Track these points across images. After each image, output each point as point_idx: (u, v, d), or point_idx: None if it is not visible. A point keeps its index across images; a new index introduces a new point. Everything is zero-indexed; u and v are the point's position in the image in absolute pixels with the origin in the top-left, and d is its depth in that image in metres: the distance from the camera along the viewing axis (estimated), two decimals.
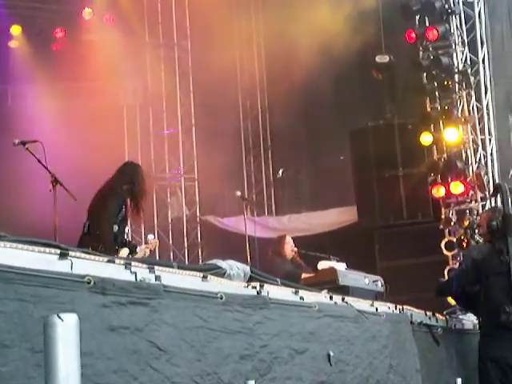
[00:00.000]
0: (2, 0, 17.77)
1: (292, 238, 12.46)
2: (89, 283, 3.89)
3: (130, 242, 9.66)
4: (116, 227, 8.91)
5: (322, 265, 9.87)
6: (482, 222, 8.70)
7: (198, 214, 19.02)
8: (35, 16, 18.23)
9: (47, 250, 3.84)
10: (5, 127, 15.36)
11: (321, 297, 6.23)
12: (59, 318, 2.20)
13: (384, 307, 7.10)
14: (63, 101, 17.94)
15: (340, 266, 9.50)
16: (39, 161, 8.61)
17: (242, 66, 19.83)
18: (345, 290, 8.11)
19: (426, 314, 7.99)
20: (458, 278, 8.35)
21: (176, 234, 18.82)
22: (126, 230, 9.65)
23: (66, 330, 2.25)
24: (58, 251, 3.88)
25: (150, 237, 10.26)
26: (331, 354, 5.68)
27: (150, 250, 9.92)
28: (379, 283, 9.20)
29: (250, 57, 19.87)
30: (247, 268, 5.53)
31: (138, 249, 9.47)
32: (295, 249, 12.16)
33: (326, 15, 16.78)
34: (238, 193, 12.35)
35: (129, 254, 9.10)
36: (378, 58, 16.66)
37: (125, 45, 17.90)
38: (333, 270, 8.91)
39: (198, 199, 18.98)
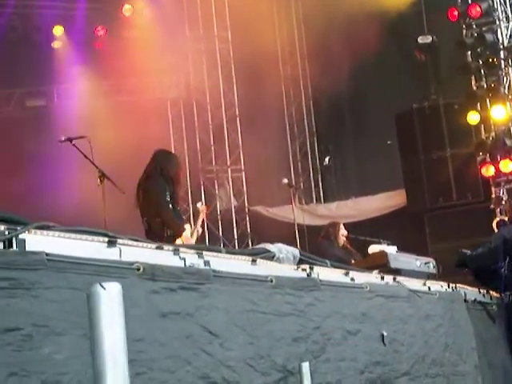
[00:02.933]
0: (43, 1, 17.95)
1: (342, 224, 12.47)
2: (138, 270, 3.89)
3: None
4: (170, 207, 8.94)
5: (373, 249, 9.81)
6: (508, 208, 8.60)
7: (246, 204, 19.03)
8: (76, 15, 18.35)
9: (95, 238, 3.85)
10: (52, 126, 15.55)
11: (372, 277, 6.18)
12: (102, 287, 2.19)
13: (437, 286, 7.04)
14: (108, 98, 18.10)
15: (391, 250, 9.42)
16: (86, 156, 8.69)
17: (283, 53, 19.83)
18: (396, 273, 8.02)
19: (479, 292, 7.90)
20: (485, 255, 8.23)
21: (225, 226, 18.84)
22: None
23: (110, 299, 2.24)
24: (106, 239, 3.89)
25: (199, 204, 10.20)
26: (385, 334, 5.63)
27: (204, 218, 9.94)
28: (431, 265, 9.10)
29: (291, 44, 19.86)
30: (296, 251, 5.50)
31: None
32: (346, 234, 12.16)
33: None
34: (285, 180, 12.35)
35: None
36: (421, 39, 16.50)
37: (166, 39, 17.96)
38: (383, 254, 8.83)
39: (245, 190, 18.98)
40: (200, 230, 9.66)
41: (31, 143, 16.86)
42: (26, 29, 17.94)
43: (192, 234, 9.35)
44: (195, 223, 9.67)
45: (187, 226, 9.21)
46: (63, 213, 13.59)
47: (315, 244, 12.32)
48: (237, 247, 18.29)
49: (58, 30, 18.34)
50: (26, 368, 3.09)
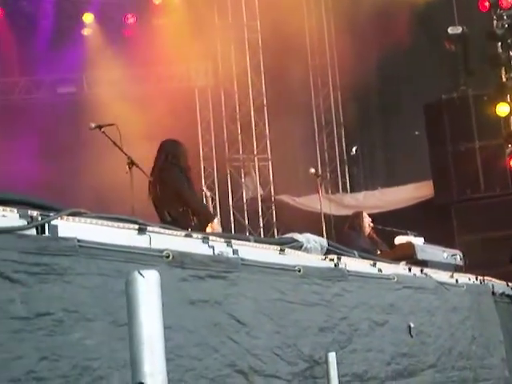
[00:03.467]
0: None
1: (368, 214, 12.41)
2: (167, 257, 3.91)
3: None
4: None
5: (400, 240, 9.77)
6: None
7: (272, 193, 19.03)
8: (106, 3, 18.41)
9: (126, 225, 3.88)
10: (82, 114, 15.61)
11: (399, 268, 6.18)
12: (140, 274, 2.22)
13: (464, 278, 7.02)
14: (136, 85, 18.14)
15: (417, 241, 9.40)
16: (115, 143, 8.70)
17: (312, 43, 19.76)
18: (423, 265, 8.01)
19: (507, 285, 7.87)
20: None
21: (251, 215, 18.87)
22: None
23: (148, 286, 2.26)
24: (137, 226, 3.91)
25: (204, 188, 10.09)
26: (412, 325, 5.64)
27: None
28: (458, 257, 9.09)
29: (320, 33, 19.81)
30: (324, 241, 5.51)
31: None
32: (372, 224, 12.12)
33: None
34: (312, 170, 12.30)
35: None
36: (451, 30, 16.38)
37: (195, 28, 17.95)
38: (410, 245, 8.81)
39: (271, 179, 18.98)
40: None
41: (61, 129, 16.97)
42: (57, 16, 18.02)
43: None
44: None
45: None
46: (92, 199, 13.72)
47: (342, 234, 12.29)
48: (262, 236, 18.30)
49: (88, 18, 18.39)
50: (56, 352, 3.13)
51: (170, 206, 8.57)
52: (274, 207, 18.98)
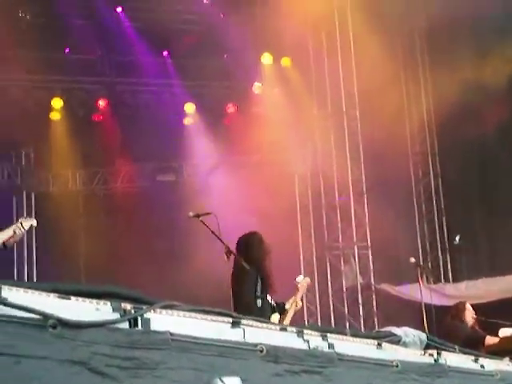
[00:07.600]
0: (177, 80, 18.53)
1: (471, 305, 12.12)
2: (261, 351, 3.84)
3: (278, 303, 9.03)
4: (259, 302, 8.50)
5: (504, 332, 9.51)
6: None
7: (372, 282, 18.79)
8: (207, 93, 18.85)
9: (220, 318, 3.85)
10: (182, 201, 15.86)
11: (503, 364, 5.94)
12: (221, 381, 2.17)
13: None
14: (236, 173, 18.37)
15: None
16: (213, 232, 8.76)
17: (412, 131, 19.70)
18: None
19: None
20: None
21: (351, 303, 18.64)
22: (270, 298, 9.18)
23: None
24: (231, 320, 3.88)
25: (298, 278, 9.65)
26: None
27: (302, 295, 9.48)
28: None
29: (420, 120, 19.75)
30: (423, 335, 5.36)
31: (286, 305, 9.03)
32: (474, 316, 11.82)
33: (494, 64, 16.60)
34: (413, 259, 12.16)
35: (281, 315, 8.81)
36: None
37: (293, 117, 18.17)
38: None
39: (371, 267, 18.77)
40: (300, 304, 9.34)
41: (160, 217, 17.25)
42: (158, 106, 18.53)
43: (291, 305, 9.09)
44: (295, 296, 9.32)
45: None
46: (192, 287, 13.80)
47: (445, 325, 12.00)
48: (362, 325, 18.05)
49: (190, 108, 18.84)
50: None
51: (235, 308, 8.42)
52: (374, 296, 18.71)
